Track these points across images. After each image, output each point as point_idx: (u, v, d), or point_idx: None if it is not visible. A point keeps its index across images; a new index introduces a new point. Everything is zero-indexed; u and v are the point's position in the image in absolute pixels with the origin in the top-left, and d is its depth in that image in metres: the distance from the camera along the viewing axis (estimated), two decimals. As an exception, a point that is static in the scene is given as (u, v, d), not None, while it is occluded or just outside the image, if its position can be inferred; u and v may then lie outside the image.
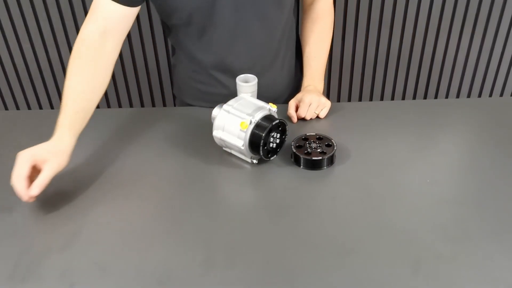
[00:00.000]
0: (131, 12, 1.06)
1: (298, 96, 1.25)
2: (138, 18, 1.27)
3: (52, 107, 2.24)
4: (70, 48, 2.06)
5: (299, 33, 1.35)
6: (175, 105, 2.22)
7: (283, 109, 1.24)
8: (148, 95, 2.24)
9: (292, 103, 1.23)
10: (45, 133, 1.17)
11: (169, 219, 0.92)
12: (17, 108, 2.27)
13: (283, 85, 1.36)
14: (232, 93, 1.17)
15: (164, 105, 2.26)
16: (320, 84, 1.29)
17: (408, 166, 1.05)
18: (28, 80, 2.17)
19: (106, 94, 2.18)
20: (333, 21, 1.33)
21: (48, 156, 0.91)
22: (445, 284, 0.77)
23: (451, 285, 0.77)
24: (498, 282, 0.77)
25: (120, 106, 2.24)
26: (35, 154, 0.91)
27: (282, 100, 1.36)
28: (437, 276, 0.78)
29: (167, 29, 1.25)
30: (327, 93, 2.29)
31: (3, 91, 2.21)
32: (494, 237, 0.85)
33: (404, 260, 0.81)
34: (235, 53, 1.21)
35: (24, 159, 0.89)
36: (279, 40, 1.24)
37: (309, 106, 1.20)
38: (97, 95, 1.04)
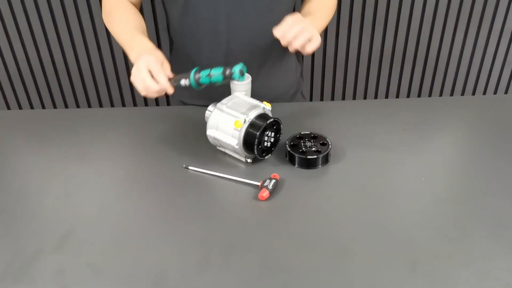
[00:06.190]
0: None
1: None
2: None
3: (55, 107, 2.22)
4: (74, 48, 2.05)
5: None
6: (169, 104, 2.22)
7: (279, 108, 1.23)
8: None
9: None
10: (46, 132, 1.16)
11: (163, 219, 0.91)
12: (20, 107, 2.25)
13: (284, 84, 1.33)
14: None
15: (157, 104, 2.25)
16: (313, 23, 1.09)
17: (403, 164, 1.05)
18: (31, 79, 2.15)
19: (98, 94, 2.17)
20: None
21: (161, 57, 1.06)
22: (442, 284, 0.76)
23: (448, 284, 0.76)
24: (496, 281, 0.77)
25: (112, 105, 2.23)
26: (158, 56, 1.04)
27: (284, 99, 1.35)
28: (434, 275, 0.78)
29: (169, 23, 1.25)
30: (321, 92, 2.28)
31: (5, 91, 2.19)
32: (491, 236, 0.85)
33: (400, 259, 0.81)
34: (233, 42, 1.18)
35: (155, 61, 1.01)
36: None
37: (292, 28, 1.02)
38: (140, 18, 1.20)
